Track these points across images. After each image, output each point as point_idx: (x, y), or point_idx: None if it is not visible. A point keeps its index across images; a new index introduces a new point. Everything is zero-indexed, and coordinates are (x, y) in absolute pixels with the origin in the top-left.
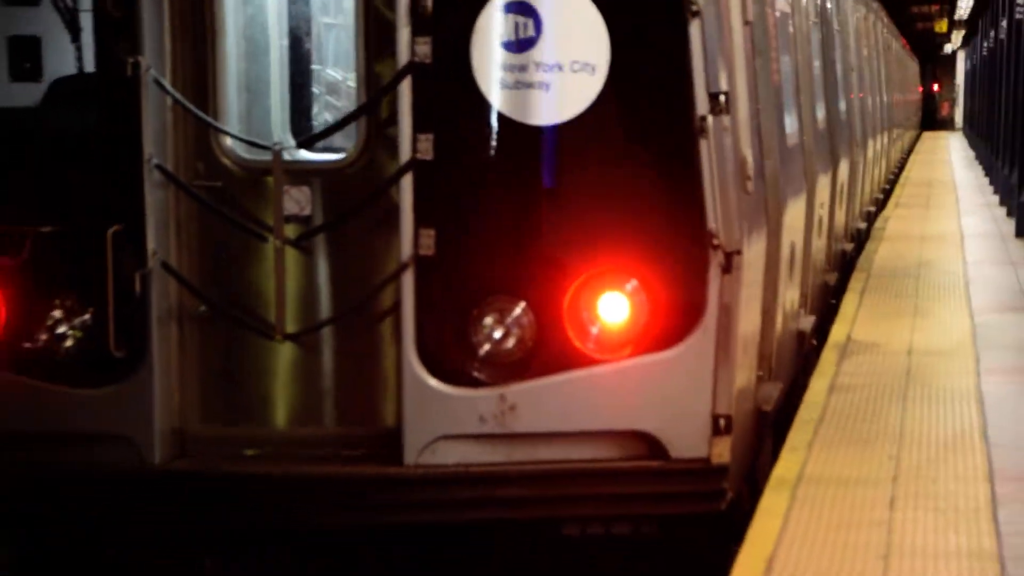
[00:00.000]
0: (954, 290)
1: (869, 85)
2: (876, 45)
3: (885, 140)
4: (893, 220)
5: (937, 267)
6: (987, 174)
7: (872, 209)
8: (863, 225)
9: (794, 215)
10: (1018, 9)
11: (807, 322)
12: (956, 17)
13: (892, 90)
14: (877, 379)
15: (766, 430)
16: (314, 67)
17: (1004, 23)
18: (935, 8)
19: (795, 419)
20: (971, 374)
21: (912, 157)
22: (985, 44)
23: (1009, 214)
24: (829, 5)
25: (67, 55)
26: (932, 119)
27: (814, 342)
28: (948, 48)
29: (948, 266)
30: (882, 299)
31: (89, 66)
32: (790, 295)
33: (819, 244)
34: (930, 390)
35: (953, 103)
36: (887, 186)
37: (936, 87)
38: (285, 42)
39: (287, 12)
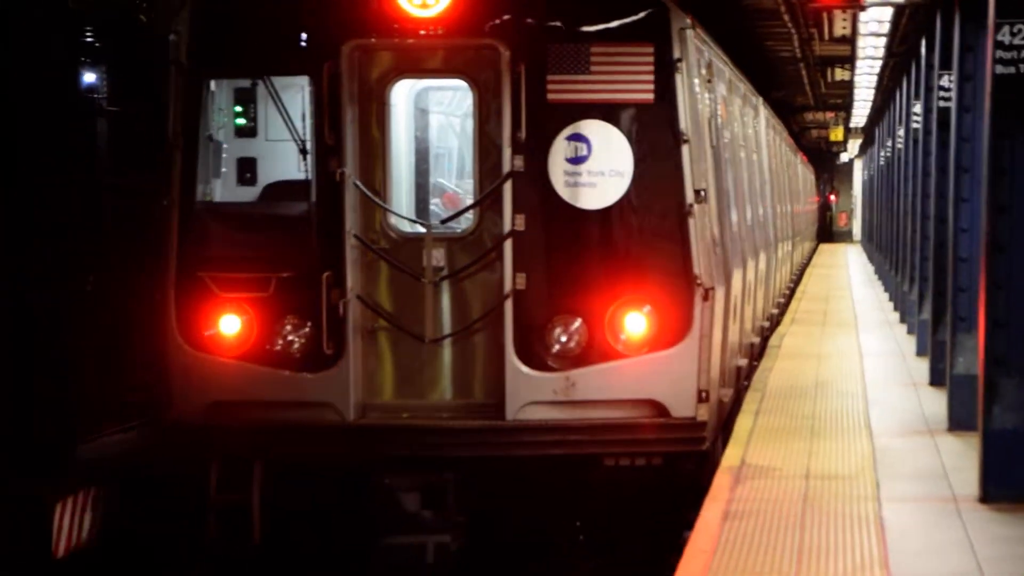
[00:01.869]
0: (853, 411)
1: (774, 195)
2: (780, 159)
3: (782, 251)
4: (789, 336)
5: (835, 387)
6: (886, 289)
7: (766, 324)
8: (756, 340)
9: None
10: (914, 119)
11: (742, 361)
12: (852, 124)
13: (792, 200)
14: (773, 505)
15: (723, 415)
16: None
17: (901, 132)
18: (830, 115)
19: (686, 547)
20: (871, 500)
21: (809, 270)
22: (882, 153)
23: (909, 331)
24: (750, 130)
25: (271, 170)
26: (829, 230)
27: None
28: (845, 156)
29: (847, 386)
30: (778, 420)
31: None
32: (733, 333)
33: (733, 328)
34: (829, 517)
35: (851, 214)
36: (783, 300)
37: (833, 197)
38: (412, 159)
39: (414, 141)
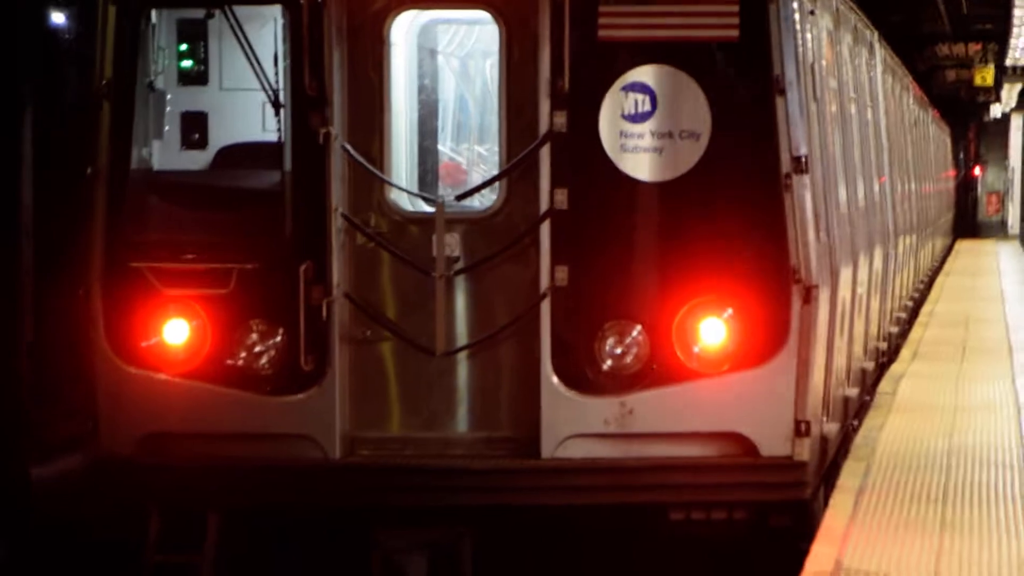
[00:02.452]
0: (1005, 495)
1: (894, 168)
2: (902, 116)
3: (903, 248)
4: (909, 380)
5: (979, 455)
6: None
7: (883, 346)
8: (870, 365)
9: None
10: None
11: (852, 391)
12: (1009, 62)
13: (918, 175)
14: None
15: (827, 456)
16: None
17: None
18: (975, 49)
19: None
20: None
21: (940, 280)
22: None
23: None
24: (863, 76)
25: (226, 129)
26: (972, 220)
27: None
28: (996, 110)
29: (996, 454)
30: (891, 505)
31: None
32: (841, 351)
33: (841, 344)
34: None
35: (1006, 196)
36: (900, 322)
37: (978, 170)
38: (416, 117)
39: (418, 92)
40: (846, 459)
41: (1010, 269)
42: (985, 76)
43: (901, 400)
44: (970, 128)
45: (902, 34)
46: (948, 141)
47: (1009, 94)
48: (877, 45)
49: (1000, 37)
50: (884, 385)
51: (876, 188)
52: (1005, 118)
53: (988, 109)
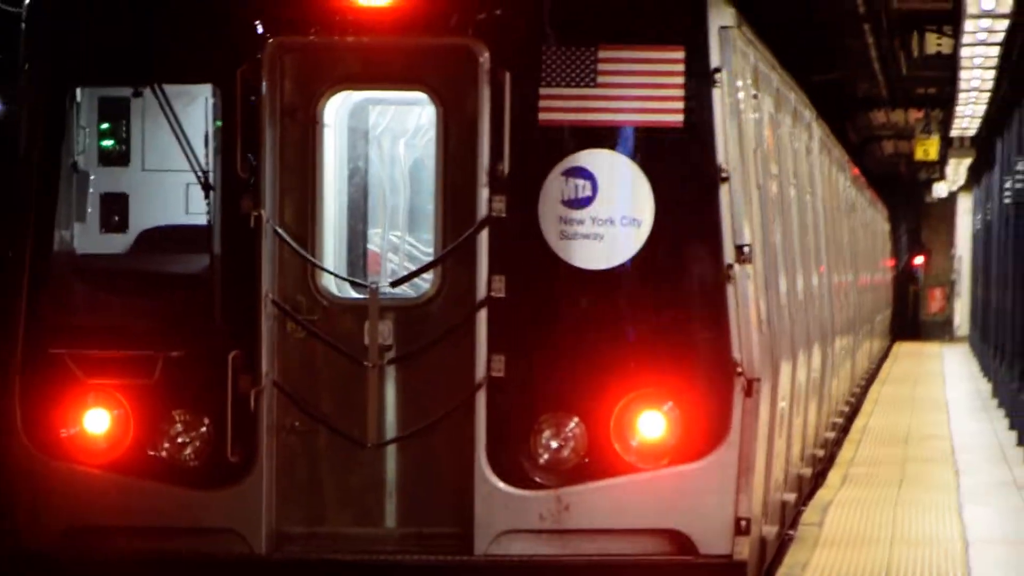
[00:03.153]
0: None
1: (831, 258)
2: (839, 200)
3: (839, 348)
4: (839, 509)
5: None
6: (1015, 425)
7: (807, 473)
8: (807, 472)
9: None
10: None
11: (789, 496)
12: (955, 134)
13: (852, 266)
14: None
15: (765, 559)
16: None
17: None
18: (916, 116)
19: None
20: None
21: (876, 388)
22: (1011, 183)
23: None
24: (802, 161)
25: (148, 211)
26: (913, 319)
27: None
28: (941, 189)
29: None
30: None
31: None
32: (780, 452)
33: (780, 444)
34: None
35: (951, 290)
36: (830, 436)
37: (920, 259)
38: (346, 200)
39: (340, 175)
40: None
41: (957, 376)
42: (928, 149)
43: (829, 532)
44: (911, 210)
45: (836, 95)
46: (886, 226)
47: (955, 170)
48: (815, 125)
49: (945, 103)
50: (809, 515)
51: (815, 280)
52: (951, 198)
53: (931, 187)
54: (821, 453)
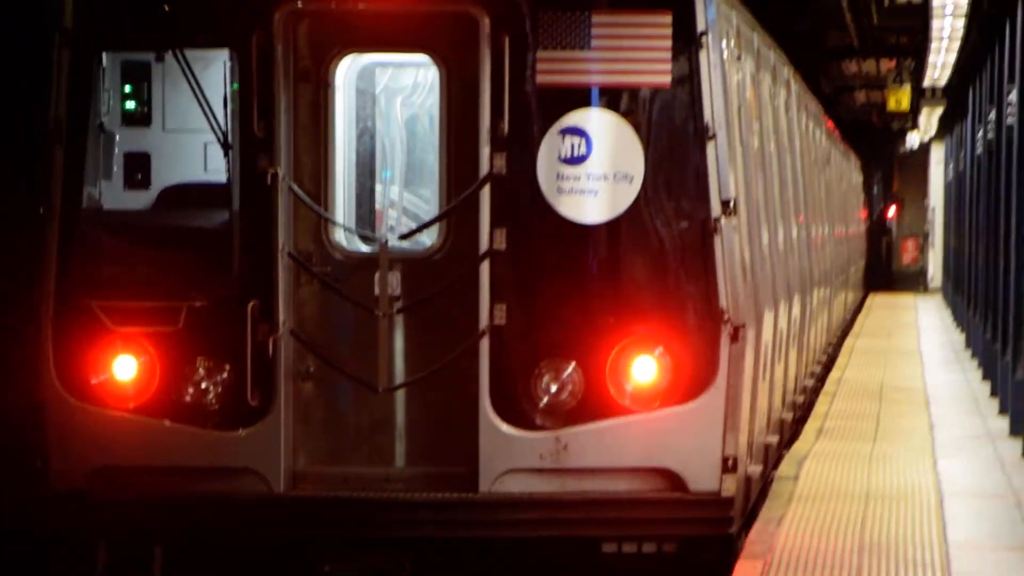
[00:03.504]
0: None
1: (809, 210)
2: (816, 154)
3: (816, 299)
4: (814, 462)
5: (895, 553)
6: (988, 376)
7: (799, 400)
8: (788, 416)
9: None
10: None
11: (772, 438)
12: (927, 84)
13: (828, 218)
14: None
15: (751, 496)
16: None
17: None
18: (888, 66)
19: None
20: None
21: (850, 341)
22: (982, 134)
23: None
24: (781, 118)
25: (168, 169)
26: (887, 270)
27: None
28: (914, 139)
29: (916, 552)
30: None
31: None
32: (763, 396)
33: (763, 389)
34: None
35: (924, 241)
36: (806, 390)
37: (893, 210)
38: (354, 158)
39: (356, 133)
40: (738, 559)
41: (931, 327)
42: (900, 99)
43: (804, 486)
44: (884, 160)
45: (804, 48)
46: (859, 177)
47: (928, 120)
48: (792, 82)
49: (917, 53)
50: (785, 468)
51: (795, 232)
52: (924, 148)
53: (904, 137)
54: (801, 399)
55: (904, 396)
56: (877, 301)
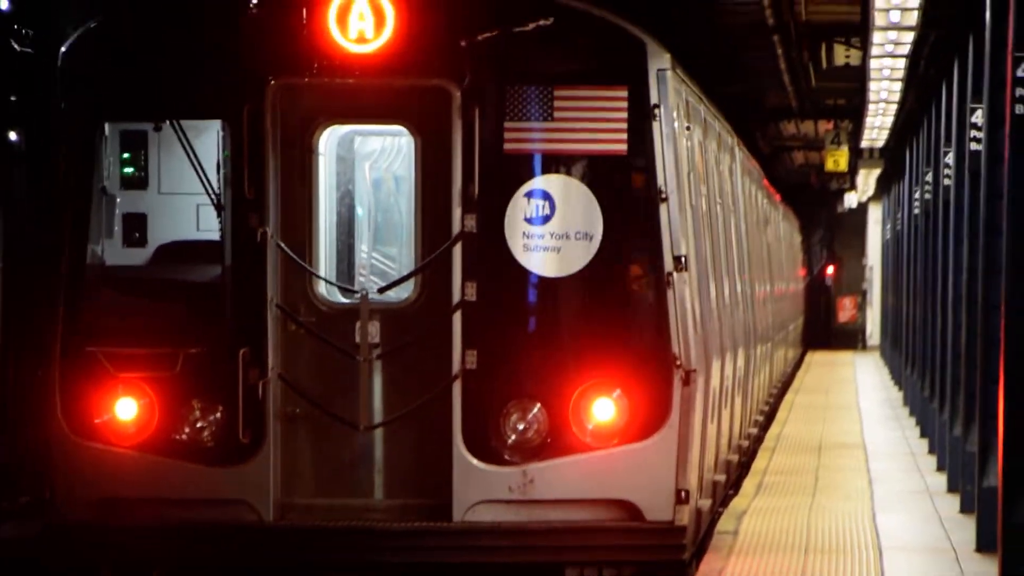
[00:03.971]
0: None
1: (752, 268)
2: (758, 214)
3: (760, 354)
4: (754, 517)
5: None
6: (926, 433)
7: (721, 479)
8: (734, 459)
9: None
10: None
11: (720, 477)
12: (865, 144)
13: (769, 276)
14: None
15: (701, 527)
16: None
17: (951, 158)
18: (826, 128)
19: None
20: None
21: (789, 397)
22: (919, 194)
23: (964, 509)
24: (726, 182)
25: (163, 228)
26: (826, 327)
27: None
28: (851, 199)
29: None
30: None
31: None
32: (712, 437)
33: (712, 430)
34: None
35: (862, 299)
36: (748, 441)
37: (831, 269)
38: (334, 218)
39: (331, 197)
40: None
41: (869, 384)
42: (838, 160)
43: (744, 540)
44: (822, 220)
45: (743, 109)
46: (798, 236)
47: (866, 181)
48: (736, 148)
49: (855, 114)
50: (724, 523)
51: (738, 288)
52: (862, 208)
53: (842, 198)
54: (746, 444)
55: (843, 452)
56: (816, 358)
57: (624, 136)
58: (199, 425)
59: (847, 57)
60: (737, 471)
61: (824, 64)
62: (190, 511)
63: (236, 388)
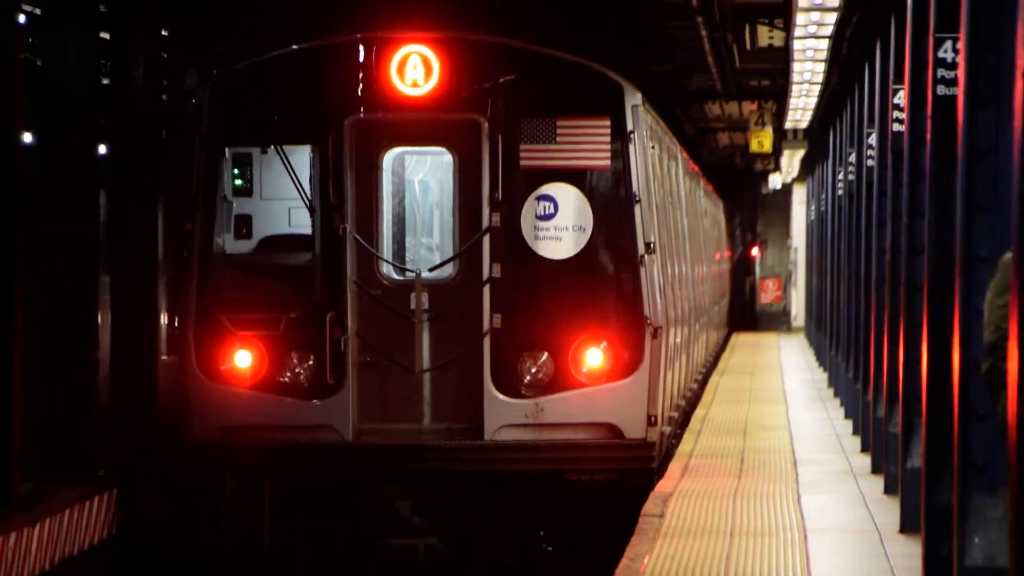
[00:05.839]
0: None
1: (692, 252)
2: (694, 204)
3: (693, 330)
4: (679, 500)
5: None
6: (850, 414)
7: (676, 415)
8: (682, 403)
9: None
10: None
11: (674, 412)
12: (788, 126)
13: (698, 258)
14: None
15: (663, 447)
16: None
17: (874, 138)
18: (750, 109)
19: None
20: None
21: (715, 379)
22: (843, 175)
23: (888, 490)
24: (673, 184)
25: (263, 225)
26: (750, 309)
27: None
28: (776, 181)
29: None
30: None
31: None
32: (670, 380)
33: (670, 376)
34: None
35: (787, 281)
36: (687, 394)
37: (756, 251)
38: (391, 218)
39: (391, 201)
40: None
41: (794, 366)
42: (762, 141)
43: (670, 523)
44: (747, 201)
45: (671, 87)
46: (722, 218)
47: (790, 162)
48: (679, 156)
49: (779, 96)
50: (650, 506)
51: (684, 269)
52: (786, 189)
53: (767, 179)
54: (689, 395)
55: (769, 434)
56: (741, 340)
57: (608, 154)
58: (297, 370)
59: (771, 38)
60: (683, 414)
61: (748, 45)
62: (290, 434)
63: (324, 343)
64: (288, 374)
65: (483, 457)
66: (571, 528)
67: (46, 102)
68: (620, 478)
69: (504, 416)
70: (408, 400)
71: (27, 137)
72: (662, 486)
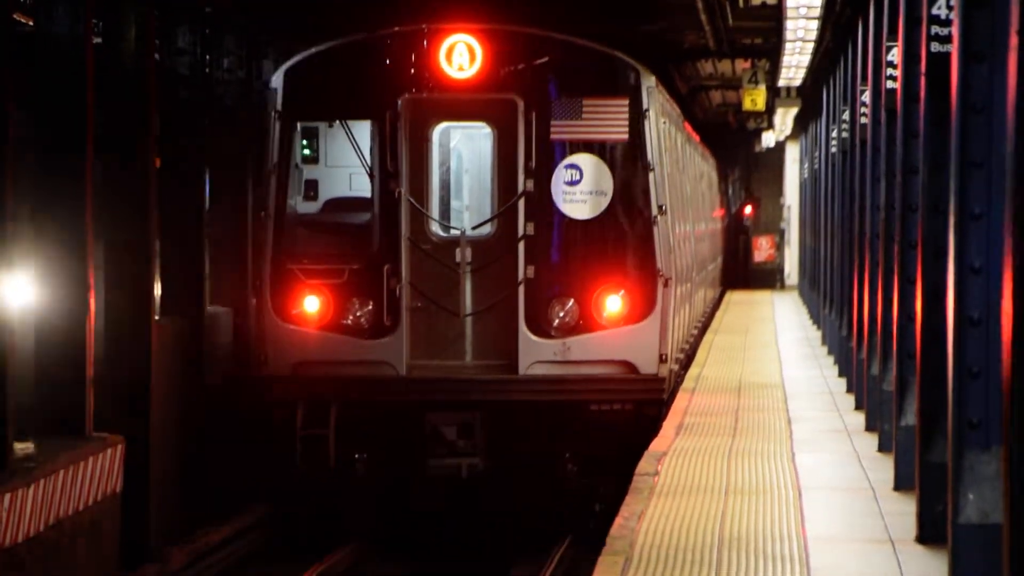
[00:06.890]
0: None
1: (692, 214)
2: (693, 167)
3: (696, 279)
4: (674, 458)
5: (755, 547)
6: (844, 372)
7: (682, 356)
8: (687, 346)
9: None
10: (891, 73)
11: (679, 355)
12: (781, 83)
13: (693, 217)
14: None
15: (671, 382)
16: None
17: (868, 97)
18: (743, 67)
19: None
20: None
21: (708, 337)
22: (836, 133)
23: (882, 448)
24: (677, 152)
25: (327, 189)
26: (744, 267)
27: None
28: (769, 139)
29: (774, 546)
30: None
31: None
32: (678, 327)
33: (677, 323)
34: None
35: (781, 239)
36: (689, 340)
37: (749, 209)
38: (438, 183)
39: (439, 169)
40: (600, 554)
41: (787, 324)
42: (755, 99)
43: (665, 482)
44: (740, 159)
45: (663, 46)
46: (716, 177)
47: (783, 120)
48: (683, 125)
49: (772, 54)
50: (644, 465)
51: (687, 228)
52: (779, 147)
53: (760, 137)
54: (692, 340)
55: (762, 392)
56: (735, 298)
57: (626, 129)
58: (358, 314)
59: None
60: (686, 357)
61: (741, 3)
62: (352, 368)
63: (382, 290)
64: (350, 317)
65: (517, 389)
66: (592, 451)
67: (36, 63)
68: (636, 408)
69: (535, 354)
70: (453, 340)
71: None
72: (656, 445)
